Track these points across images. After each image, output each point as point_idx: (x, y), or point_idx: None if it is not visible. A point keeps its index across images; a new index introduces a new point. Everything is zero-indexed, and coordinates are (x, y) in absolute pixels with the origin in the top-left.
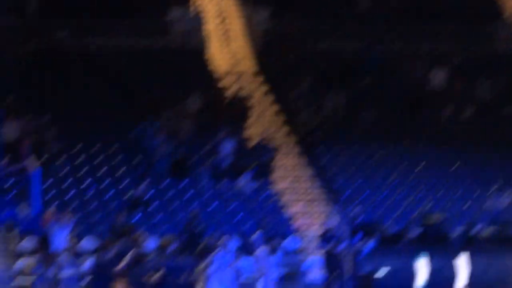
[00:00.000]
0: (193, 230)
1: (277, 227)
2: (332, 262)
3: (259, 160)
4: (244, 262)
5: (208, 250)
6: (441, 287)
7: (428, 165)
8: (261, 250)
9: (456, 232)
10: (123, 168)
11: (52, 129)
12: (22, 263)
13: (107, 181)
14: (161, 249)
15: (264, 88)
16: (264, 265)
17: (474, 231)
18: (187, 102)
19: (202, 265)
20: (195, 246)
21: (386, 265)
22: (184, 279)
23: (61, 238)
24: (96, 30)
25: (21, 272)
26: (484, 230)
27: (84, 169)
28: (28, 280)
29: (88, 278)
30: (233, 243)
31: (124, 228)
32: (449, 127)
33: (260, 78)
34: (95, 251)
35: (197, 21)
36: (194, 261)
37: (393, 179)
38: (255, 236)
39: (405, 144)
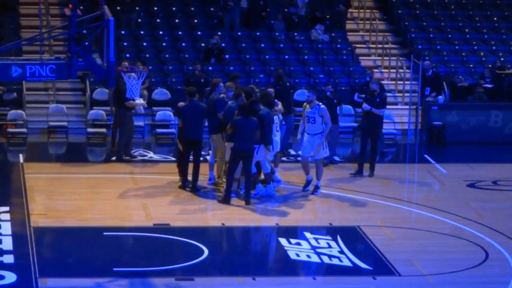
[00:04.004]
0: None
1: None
2: None
3: (334, 11)
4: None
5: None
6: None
7: (502, 17)
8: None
9: None
10: (198, 18)
11: None
12: (95, 113)
13: (182, 31)
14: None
15: None
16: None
17: None
18: None
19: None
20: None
21: (457, 118)
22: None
23: (134, 89)
24: None
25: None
26: None
27: (159, 19)
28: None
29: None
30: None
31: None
32: None
33: None
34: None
35: None
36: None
37: (466, 32)
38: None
39: None
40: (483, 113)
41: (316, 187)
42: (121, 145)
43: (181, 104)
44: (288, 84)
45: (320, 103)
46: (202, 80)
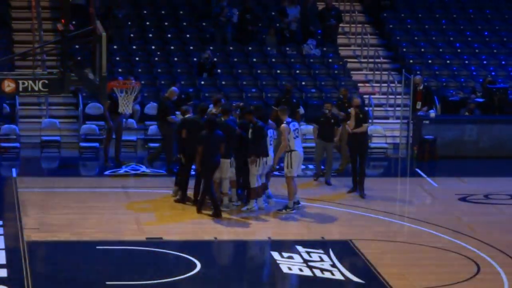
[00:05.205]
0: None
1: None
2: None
3: (325, 26)
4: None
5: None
6: (502, 153)
7: (493, 32)
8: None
9: None
10: (190, 33)
11: None
12: (88, 127)
13: (174, 46)
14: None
15: None
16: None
17: None
18: None
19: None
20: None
21: (448, 132)
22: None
23: (127, 104)
24: None
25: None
26: None
27: (151, 34)
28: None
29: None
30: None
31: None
32: None
33: None
34: None
35: None
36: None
37: (457, 47)
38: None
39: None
40: (473, 127)
41: (286, 206)
42: (170, 158)
43: (188, 116)
44: (294, 100)
45: (284, 121)
46: (183, 96)
